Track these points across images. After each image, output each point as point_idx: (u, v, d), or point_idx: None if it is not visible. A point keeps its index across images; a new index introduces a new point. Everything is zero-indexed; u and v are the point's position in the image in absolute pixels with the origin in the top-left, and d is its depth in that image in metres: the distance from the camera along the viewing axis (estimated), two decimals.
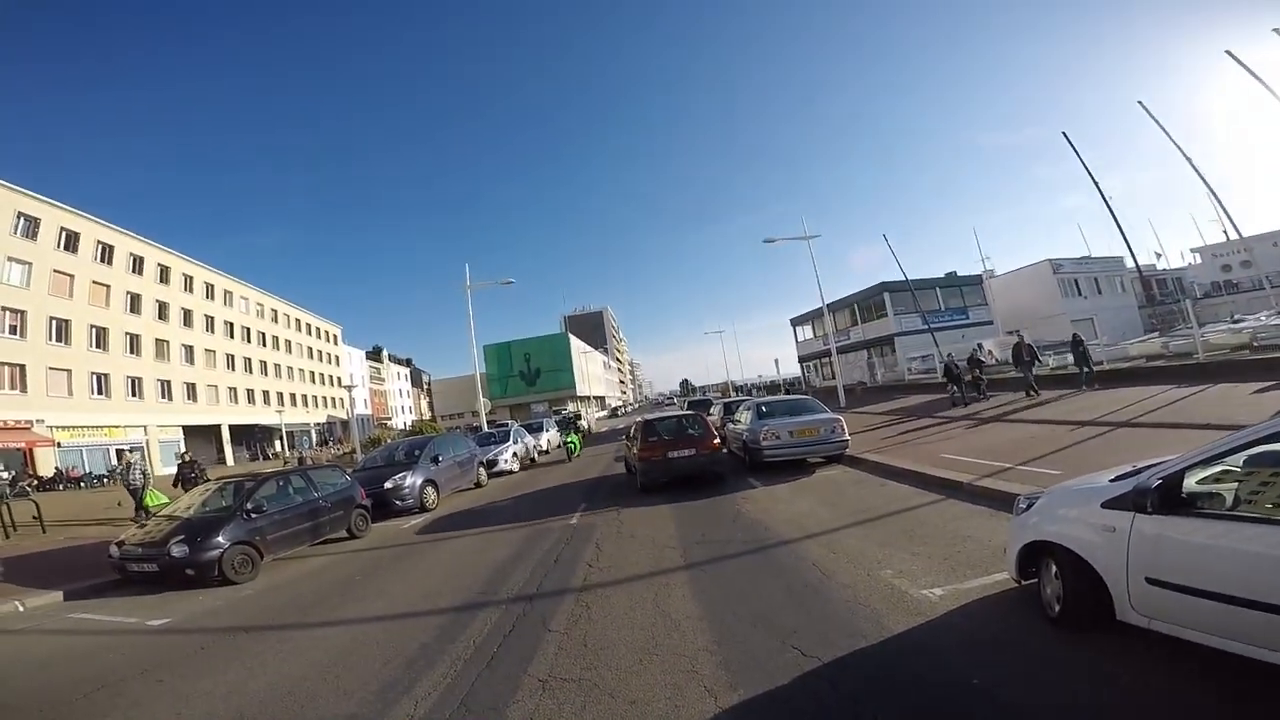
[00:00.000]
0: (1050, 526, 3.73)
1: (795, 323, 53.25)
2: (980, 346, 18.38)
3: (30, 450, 29.90)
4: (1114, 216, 26.12)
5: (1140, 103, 23.37)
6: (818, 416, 11.97)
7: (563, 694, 3.62)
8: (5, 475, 26.17)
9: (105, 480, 30.55)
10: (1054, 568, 3.66)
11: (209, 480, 12.26)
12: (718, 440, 11.46)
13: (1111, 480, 3.54)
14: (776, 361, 48.12)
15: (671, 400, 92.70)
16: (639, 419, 13.28)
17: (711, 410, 22.50)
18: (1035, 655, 3.43)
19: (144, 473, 13.98)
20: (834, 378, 30.34)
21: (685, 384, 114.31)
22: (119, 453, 35.58)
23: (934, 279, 41.31)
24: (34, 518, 12.91)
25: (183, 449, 19.98)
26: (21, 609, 7.19)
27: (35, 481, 27.12)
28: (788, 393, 36.43)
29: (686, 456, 10.82)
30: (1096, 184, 25.55)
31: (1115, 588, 3.23)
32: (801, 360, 53.55)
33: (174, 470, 38.18)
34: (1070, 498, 3.82)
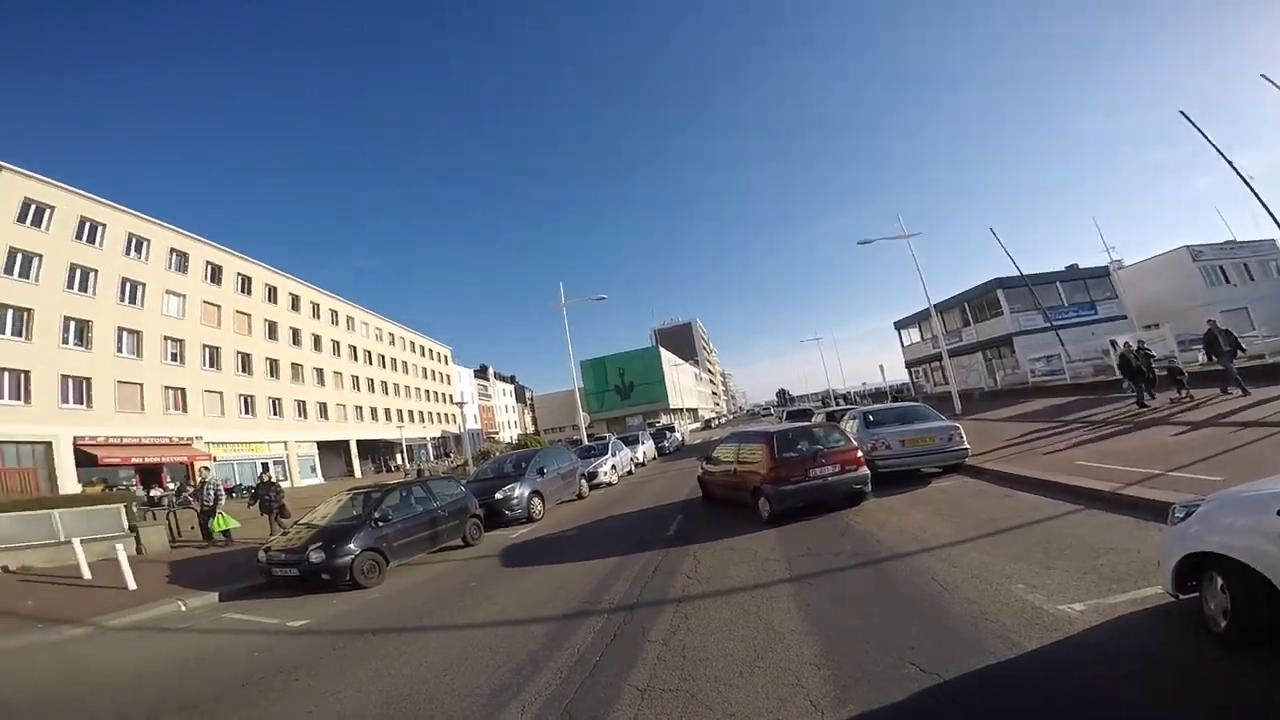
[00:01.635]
0: (1214, 537, 3.30)
1: (900, 326, 50.33)
2: (1126, 343, 15.82)
3: (191, 464, 33.74)
4: (1257, 196, 22.32)
5: (1264, 76, 19.98)
6: (932, 424, 11.20)
7: (661, 703, 3.58)
8: (172, 486, 30.10)
9: (249, 492, 34.27)
10: (1219, 581, 3.25)
11: (283, 503, 13.72)
12: (861, 453, 9.37)
13: None
14: (881, 367, 46.09)
15: (768, 411, 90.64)
16: (740, 429, 12.86)
17: (812, 419, 21.70)
18: (1195, 674, 3.04)
19: (218, 494, 13.85)
20: (947, 382, 28.33)
21: (782, 394, 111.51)
22: (264, 465, 40.28)
23: (1053, 273, 37.50)
24: (192, 527, 14.70)
25: (261, 470, 20.65)
26: (184, 608, 8.10)
27: (194, 492, 30.70)
28: (895, 400, 34.49)
29: (832, 476, 8.72)
30: (1230, 162, 22.08)
31: None
32: (909, 365, 50.48)
33: (311, 482, 41.89)
34: (1240, 505, 3.35)
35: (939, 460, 10.73)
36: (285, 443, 42.89)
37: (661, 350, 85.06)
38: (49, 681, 5.46)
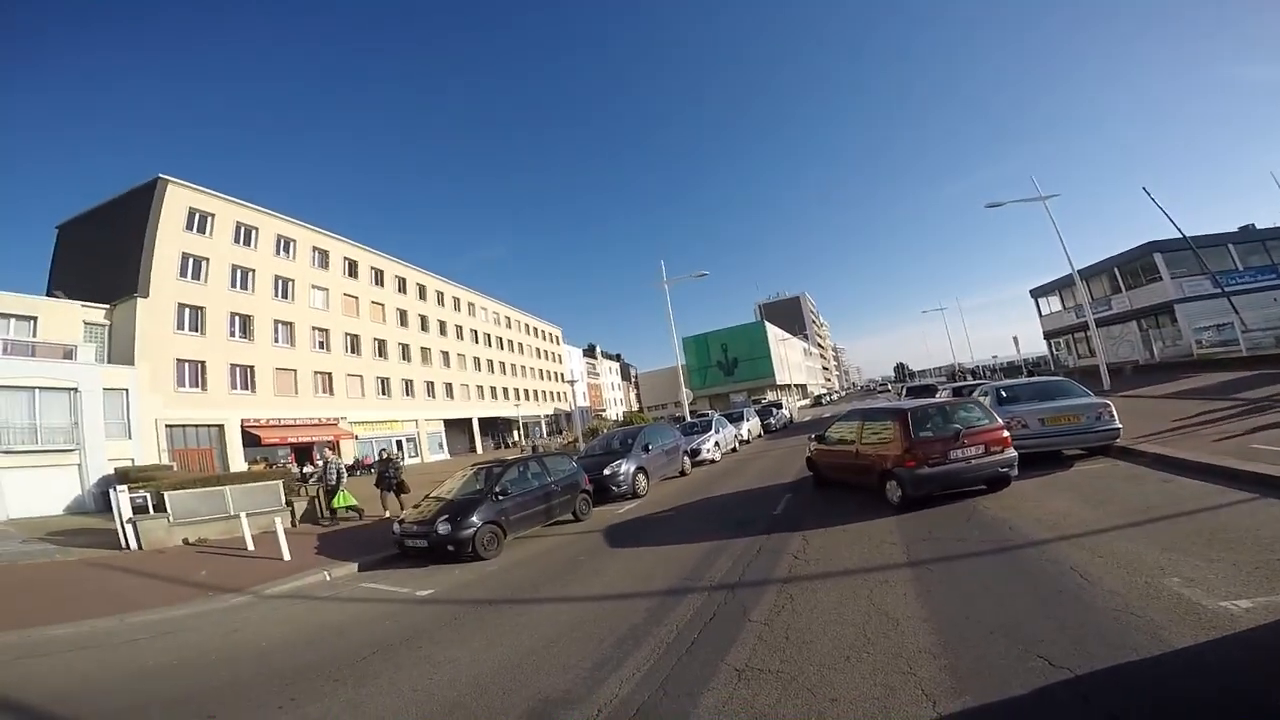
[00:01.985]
0: None
1: (1037, 294, 45.53)
2: None
3: (338, 442, 37.79)
4: None
5: None
6: (1077, 401, 10.09)
7: (759, 684, 3.57)
8: (321, 463, 33.84)
9: (373, 469, 37.59)
10: None
11: (402, 479, 14.07)
12: (1008, 433, 8.29)
13: None
14: (1015, 339, 41.63)
15: (885, 387, 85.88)
16: (860, 405, 12.00)
17: (936, 396, 20.26)
18: None
19: (339, 472, 14.36)
20: (1093, 354, 25.37)
21: (901, 368, 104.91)
22: (399, 443, 44.20)
23: (1223, 234, 32.23)
24: (319, 505, 15.74)
25: (383, 447, 21.44)
26: (328, 578, 8.77)
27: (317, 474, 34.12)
28: (1031, 374, 31.45)
29: (975, 458, 7.84)
30: None
31: None
32: (1048, 336, 45.65)
33: (439, 457, 45.11)
34: None
35: (1085, 441, 9.64)
36: (416, 421, 46.83)
37: (768, 325, 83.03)
38: (211, 645, 6.01)
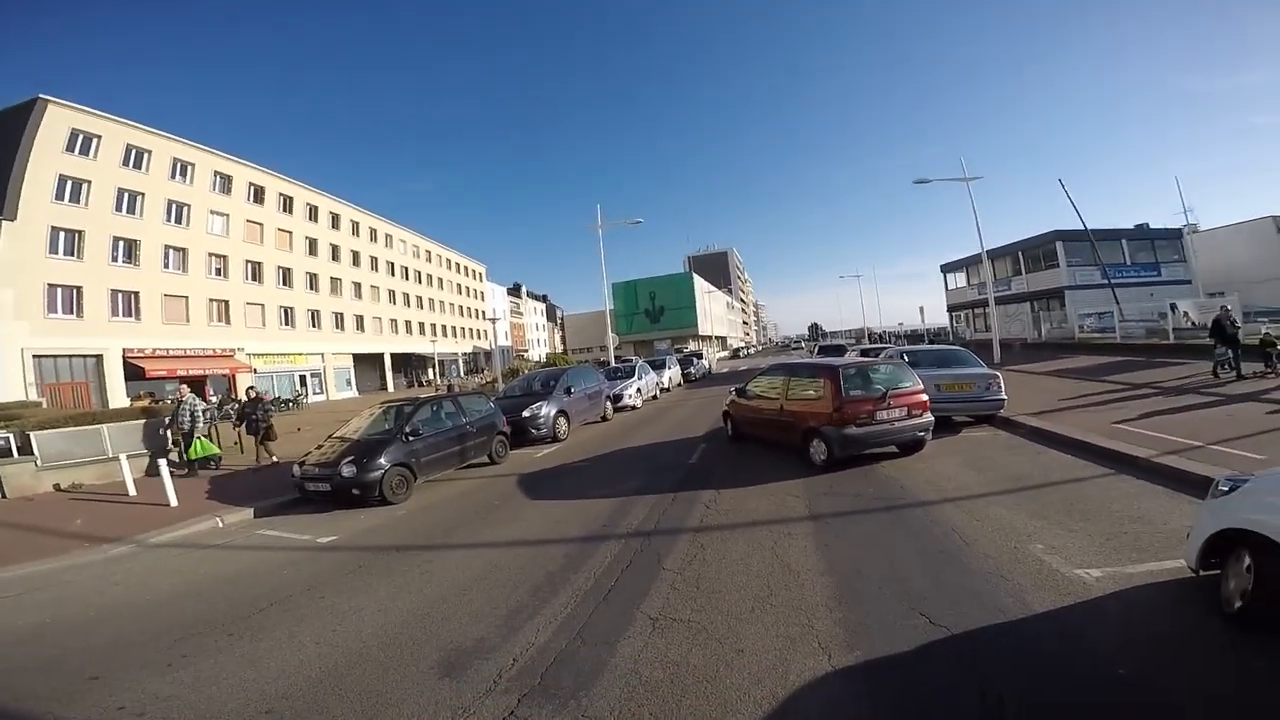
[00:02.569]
0: (1254, 514, 3.22)
1: (946, 269, 48.45)
2: (1224, 307, 13.58)
3: (233, 375, 35.45)
4: None
5: None
6: (971, 370, 10.92)
7: (672, 634, 3.71)
8: (214, 399, 31.54)
9: (290, 404, 35.72)
10: (1246, 560, 3.21)
11: (270, 423, 12.64)
12: (927, 397, 8.53)
13: None
14: (921, 309, 44.29)
15: (799, 344, 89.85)
16: (785, 360, 12.00)
17: (845, 356, 21.35)
18: (1199, 651, 3.07)
19: (194, 415, 12.14)
20: (988, 330, 27.47)
21: (815, 328, 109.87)
22: (301, 378, 41.80)
23: (1120, 229, 35.52)
24: (238, 439, 14.66)
25: (250, 385, 19.00)
26: (220, 524, 8.17)
27: (236, 405, 31.96)
28: (932, 343, 33.71)
29: (899, 420, 8.00)
30: None
31: None
32: (951, 309, 48.95)
33: (346, 395, 43.33)
34: None
35: (974, 409, 10.51)
36: (323, 354, 44.50)
37: (695, 277, 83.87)
38: (90, 601, 5.51)
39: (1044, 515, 5.41)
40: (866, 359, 10.19)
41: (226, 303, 36.31)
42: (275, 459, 12.34)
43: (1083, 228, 32.05)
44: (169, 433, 12.65)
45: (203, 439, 12.22)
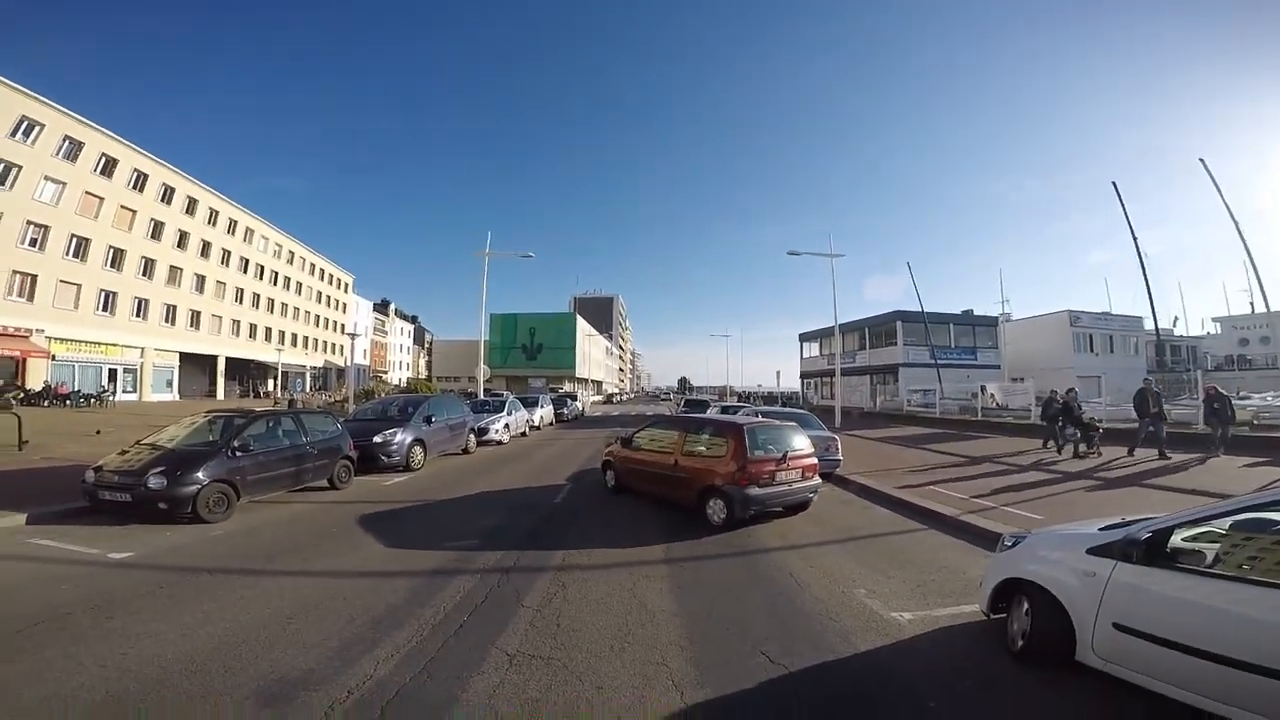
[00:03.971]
0: (1030, 566, 3.88)
1: (804, 338, 53.26)
2: (1072, 391, 14.71)
3: (24, 360, 30.09)
4: (1145, 276, 26.14)
5: (1202, 160, 23.15)
6: (815, 433, 11.96)
7: (530, 670, 3.64)
8: None
9: (93, 400, 30.75)
10: (1025, 605, 3.81)
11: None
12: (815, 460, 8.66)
13: (1101, 529, 3.71)
14: (778, 374, 48.44)
15: (667, 395, 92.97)
16: (678, 413, 11.35)
17: (707, 413, 22.49)
18: (992, 685, 3.55)
19: None
20: (833, 398, 30.38)
21: (683, 382, 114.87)
22: (111, 373, 35.97)
23: (949, 314, 41.51)
24: (17, 434, 12.33)
25: None
26: None
27: (22, 394, 26.93)
28: (784, 405, 36.52)
29: (795, 482, 8.02)
30: (1136, 240, 25.46)
31: (1081, 630, 3.41)
32: (803, 376, 53.61)
33: (164, 397, 38.27)
34: (1056, 541, 3.99)
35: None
36: (142, 349, 39.07)
37: (579, 319, 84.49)
38: None
39: (868, 563, 6.05)
40: (767, 420, 9.94)
41: (34, 277, 31.19)
42: None
43: (919, 310, 37.02)
44: None
45: None
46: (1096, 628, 3.32)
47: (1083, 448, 14.08)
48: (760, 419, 9.62)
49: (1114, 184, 24.48)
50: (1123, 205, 24.63)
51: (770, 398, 55.28)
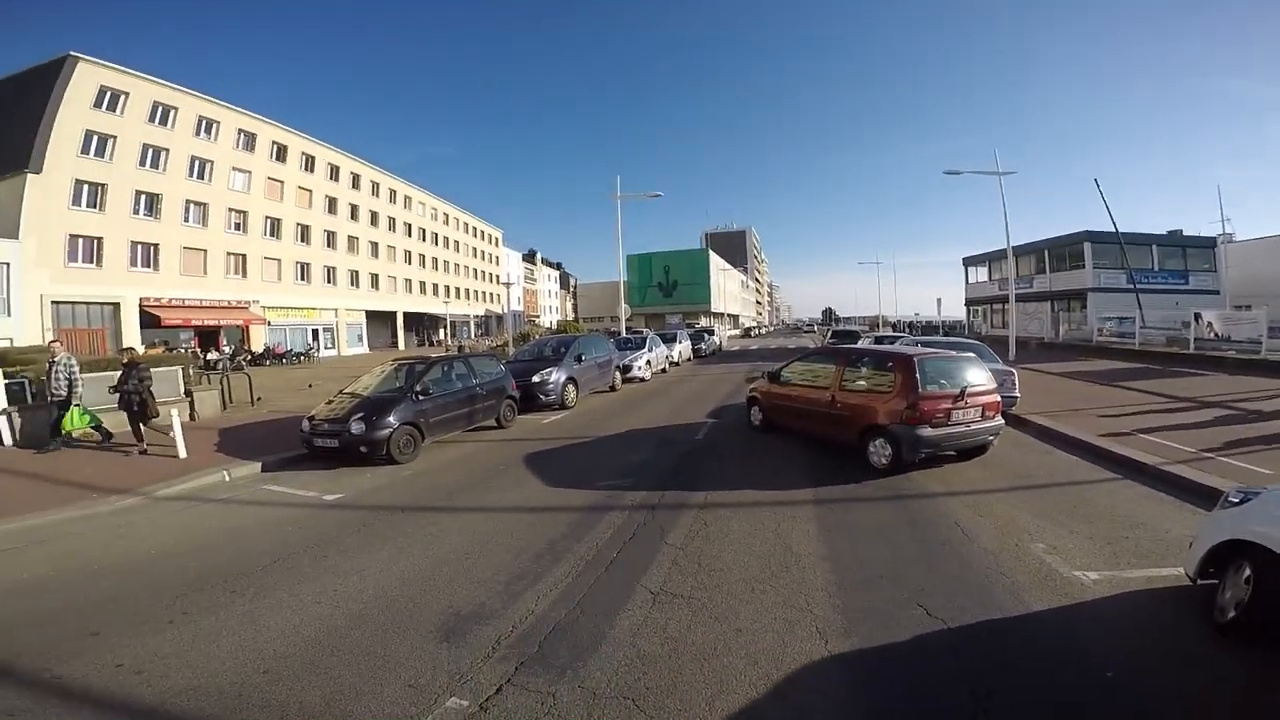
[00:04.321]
0: (1261, 526, 3.26)
1: (968, 262, 47.75)
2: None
3: (247, 327, 36.00)
4: None
5: None
6: (987, 366, 10.82)
7: (671, 609, 3.76)
8: (227, 350, 31.93)
9: (302, 358, 36.21)
10: (1246, 571, 3.26)
11: (148, 398, 9.64)
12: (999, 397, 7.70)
13: None
14: (938, 301, 43.73)
15: (810, 327, 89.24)
16: (831, 344, 10.65)
17: (859, 344, 21.21)
18: (1187, 658, 3.11)
19: (71, 378, 9.87)
20: (1006, 326, 27.16)
21: (829, 313, 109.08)
22: (314, 333, 42.09)
23: (1152, 234, 34.90)
24: (249, 392, 14.74)
25: (128, 346, 16.15)
26: (227, 478, 8.04)
27: (249, 356, 32.21)
28: (947, 335, 33.43)
29: (974, 422, 7.16)
30: None
31: None
32: (969, 303, 48.40)
33: (357, 351, 43.86)
34: None
35: None
36: (336, 310, 44.96)
37: (711, 254, 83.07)
38: (93, 554, 5.39)
39: (1047, 515, 5.42)
40: (941, 350, 8.85)
41: (244, 256, 36.87)
42: (145, 447, 9.56)
43: (1113, 230, 31.37)
44: (231, 373, 11.80)
45: (80, 407, 9.87)
46: None
47: None
48: (934, 350, 8.60)
49: None
50: None
51: (930, 327, 50.82)
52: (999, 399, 7.60)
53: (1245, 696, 2.81)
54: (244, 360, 29.76)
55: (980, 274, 46.20)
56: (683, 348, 26.55)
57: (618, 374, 16.86)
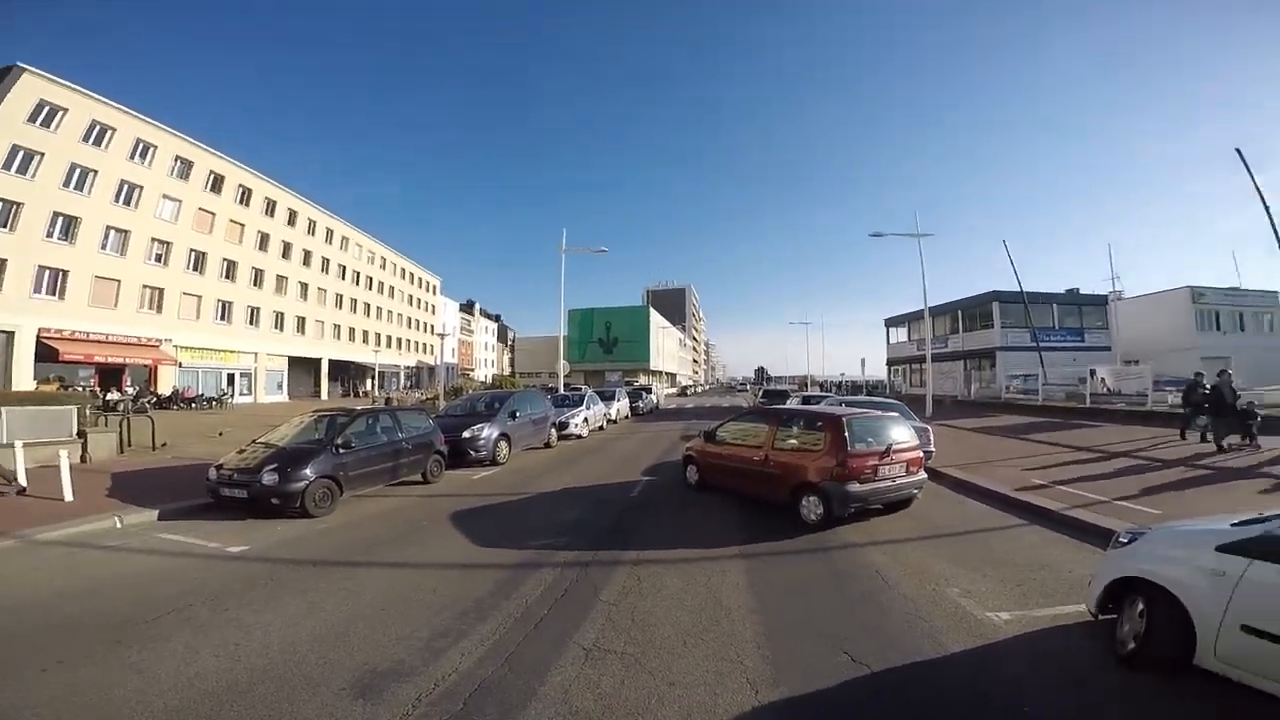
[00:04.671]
0: (1148, 565, 3.60)
1: (890, 323, 50.88)
2: (1225, 373, 12.57)
3: (155, 368, 33.49)
4: None
5: None
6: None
7: (604, 665, 3.69)
8: (130, 391, 29.67)
9: (214, 403, 33.99)
10: (1140, 606, 3.55)
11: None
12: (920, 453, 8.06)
13: (1234, 524, 3.43)
14: (863, 361, 46.04)
15: (744, 386, 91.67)
16: (762, 404, 11.19)
17: (788, 403, 21.95)
18: (1096, 690, 3.32)
19: None
20: (923, 385, 28.87)
21: (760, 372, 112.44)
22: (230, 377, 39.72)
23: (1052, 294, 38.37)
24: (151, 436, 13.73)
25: None
26: (119, 525, 7.53)
27: (154, 399, 30.04)
28: (870, 395, 35.05)
29: (899, 477, 7.45)
30: (1266, 206, 22.34)
31: (1204, 633, 3.17)
32: (890, 363, 51.29)
33: (275, 399, 41.57)
34: (1180, 538, 3.71)
35: None
36: (256, 354, 42.79)
37: (652, 311, 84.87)
38: None
39: (961, 561, 5.71)
40: (866, 410, 9.22)
41: (161, 291, 34.65)
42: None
43: (1019, 289, 34.35)
44: (133, 415, 10.99)
45: None
46: (1222, 630, 3.08)
47: (1234, 439, 12.07)
48: (861, 410, 8.99)
49: (1238, 150, 21.54)
50: (1249, 171, 21.64)
51: (855, 386, 53.25)
52: (922, 455, 7.98)
53: (1150, 717, 3.04)
54: (148, 402, 27.59)
55: (900, 334, 49.21)
56: (620, 405, 26.65)
57: (554, 431, 16.68)
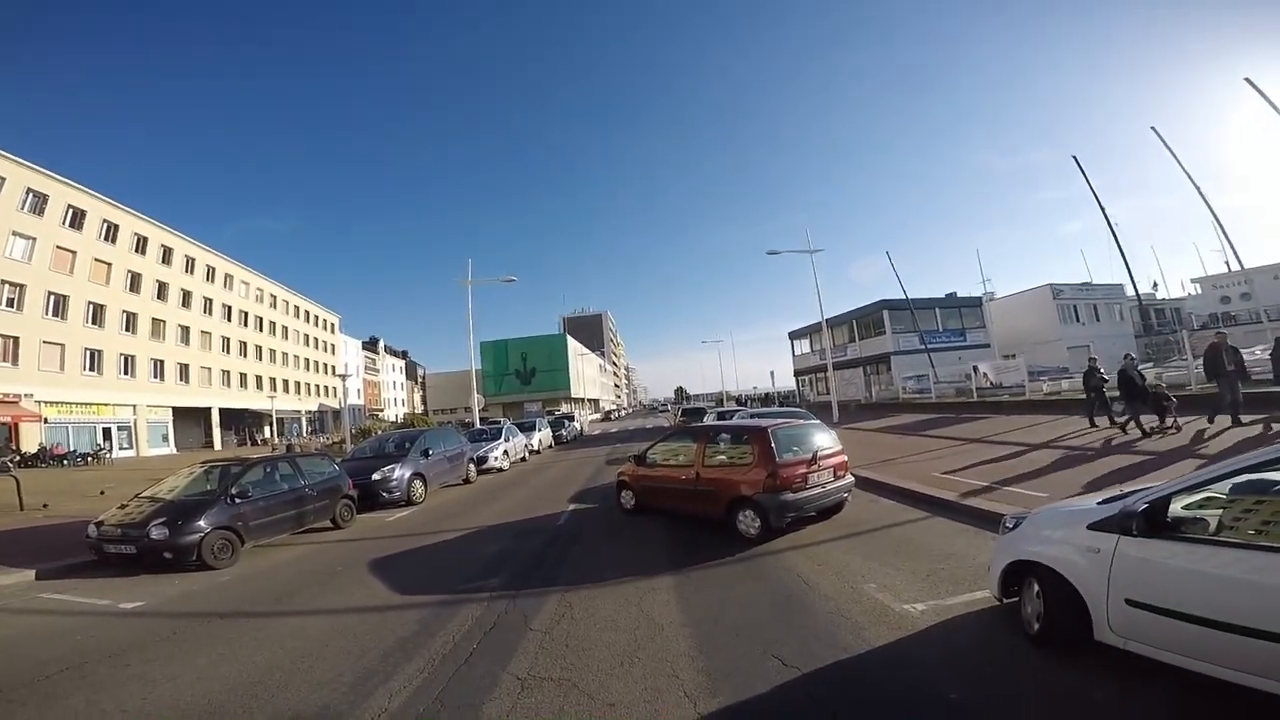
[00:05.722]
0: (1034, 546, 3.78)
1: (793, 336, 53.39)
2: (1129, 357, 12.77)
3: (16, 425, 29.75)
4: (1118, 243, 26.39)
5: (1154, 129, 23.54)
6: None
7: (541, 693, 3.60)
8: None
9: (89, 459, 30.39)
10: (1035, 587, 3.72)
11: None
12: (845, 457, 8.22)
13: (1099, 503, 3.60)
14: (772, 374, 48.29)
15: (665, 407, 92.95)
16: (683, 424, 11.25)
17: (704, 419, 22.42)
18: (1012, 672, 3.48)
19: None
20: (829, 393, 30.41)
21: (680, 391, 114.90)
22: (106, 431, 35.66)
23: (934, 299, 41.68)
24: (17, 495, 12.58)
25: None
26: None
27: (18, 458, 26.82)
28: (782, 405, 36.51)
29: (829, 483, 7.48)
30: (1103, 209, 25.79)
31: (1095, 609, 3.29)
32: (797, 374, 53.70)
33: (161, 451, 37.85)
34: (1056, 519, 3.89)
35: None
36: (134, 406, 38.68)
37: (569, 338, 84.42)
38: None
39: (875, 557, 6.00)
40: (789, 419, 9.44)
41: (16, 339, 30.75)
42: None
43: (904, 297, 37.12)
44: None
45: None
46: (1110, 605, 3.18)
47: (1152, 424, 11.82)
48: (784, 420, 9.04)
49: (1074, 158, 24.95)
50: (1085, 177, 25.10)
51: (767, 398, 55.34)
52: (846, 459, 8.11)
53: (1065, 695, 3.19)
54: (11, 461, 24.39)
55: (804, 346, 51.74)
56: (543, 435, 26.24)
57: (472, 466, 16.17)
